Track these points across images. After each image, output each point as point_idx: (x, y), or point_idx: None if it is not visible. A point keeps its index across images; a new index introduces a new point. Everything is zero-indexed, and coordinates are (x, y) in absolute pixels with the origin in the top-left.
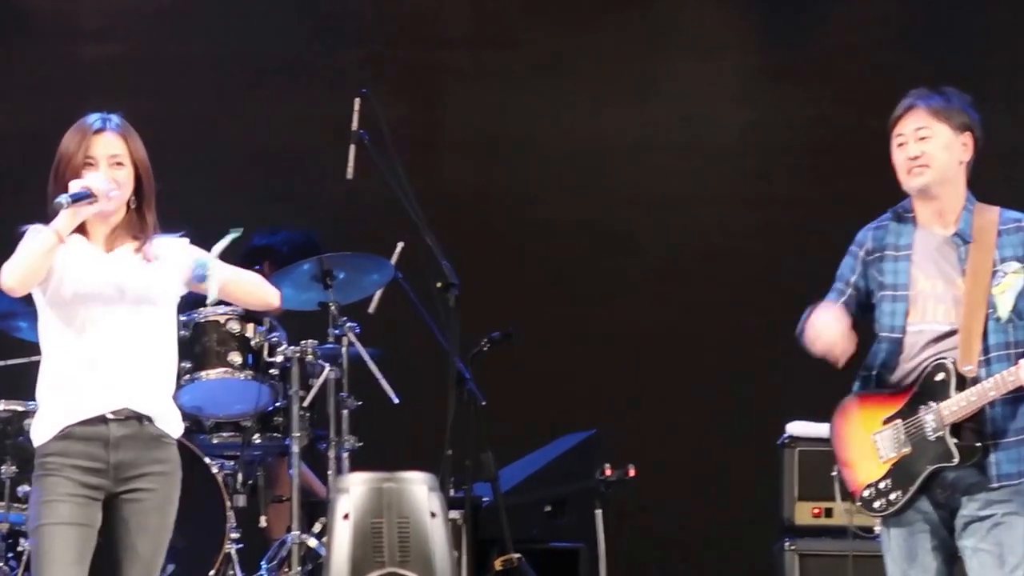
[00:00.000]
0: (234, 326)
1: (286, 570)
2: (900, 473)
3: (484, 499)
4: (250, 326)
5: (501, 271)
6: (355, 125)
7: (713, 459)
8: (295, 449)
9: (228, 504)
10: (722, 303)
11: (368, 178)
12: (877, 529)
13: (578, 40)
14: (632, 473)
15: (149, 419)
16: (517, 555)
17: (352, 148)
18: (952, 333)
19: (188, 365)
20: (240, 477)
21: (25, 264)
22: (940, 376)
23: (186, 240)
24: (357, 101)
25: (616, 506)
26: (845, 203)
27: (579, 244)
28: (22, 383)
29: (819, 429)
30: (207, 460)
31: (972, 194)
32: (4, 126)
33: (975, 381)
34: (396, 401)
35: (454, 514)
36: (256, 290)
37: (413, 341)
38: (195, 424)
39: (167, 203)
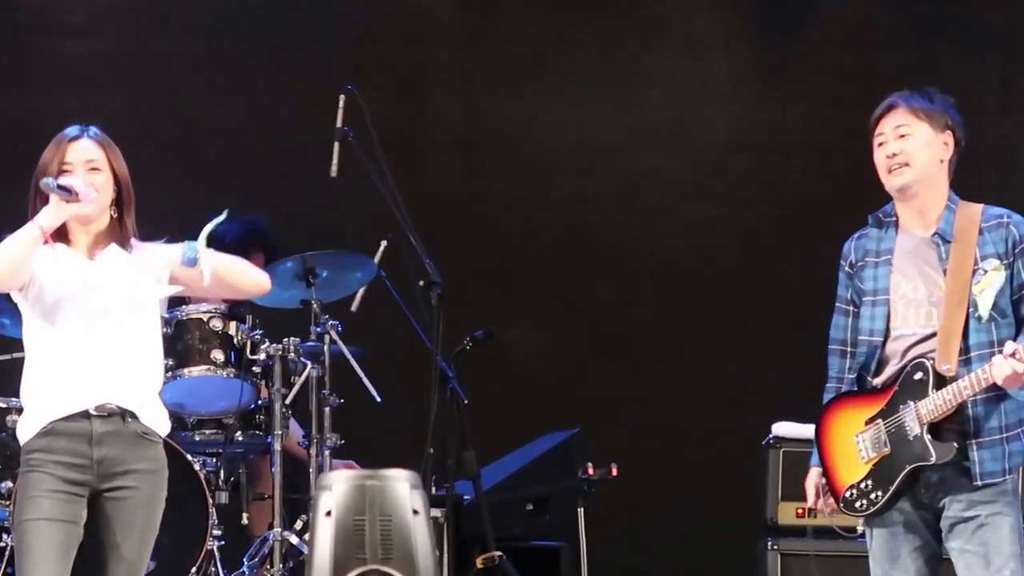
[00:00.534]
0: (216, 324)
1: (268, 567)
2: (880, 473)
3: (466, 497)
4: (233, 324)
5: (484, 270)
6: (340, 122)
7: (696, 459)
8: (277, 447)
9: (210, 501)
10: (708, 303)
11: (352, 175)
12: (860, 529)
13: (565, 38)
14: (614, 472)
15: (133, 415)
16: (499, 553)
17: (337, 145)
18: (934, 335)
19: (171, 362)
20: (222, 474)
21: (8, 257)
22: (919, 375)
23: (164, 243)
24: (342, 98)
25: (598, 505)
26: (835, 203)
27: (564, 243)
28: (5, 380)
29: (804, 430)
30: (189, 457)
31: (955, 193)
32: None
33: (955, 380)
34: (378, 399)
35: (436, 512)
36: (248, 273)
37: (396, 339)
38: (177, 421)
39: (150, 198)
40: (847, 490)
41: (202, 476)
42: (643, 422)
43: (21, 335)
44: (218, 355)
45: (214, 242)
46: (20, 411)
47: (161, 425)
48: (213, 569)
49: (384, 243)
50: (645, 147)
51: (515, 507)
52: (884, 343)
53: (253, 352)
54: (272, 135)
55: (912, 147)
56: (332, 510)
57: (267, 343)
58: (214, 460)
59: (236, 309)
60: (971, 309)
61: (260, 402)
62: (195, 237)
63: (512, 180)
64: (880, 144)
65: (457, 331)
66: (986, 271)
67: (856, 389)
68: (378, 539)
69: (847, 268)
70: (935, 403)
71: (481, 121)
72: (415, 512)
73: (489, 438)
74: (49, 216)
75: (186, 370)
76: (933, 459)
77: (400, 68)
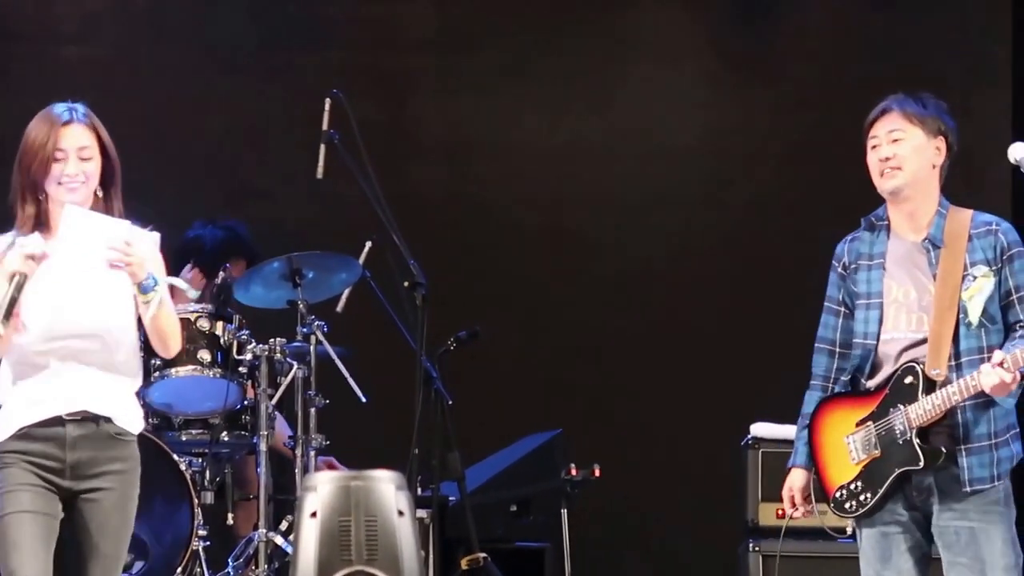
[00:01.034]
0: (204, 324)
1: (253, 568)
2: (870, 475)
3: (451, 498)
4: (220, 324)
5: (467, 271)
6: (325, 125)
7: (678, 460)
8: (263, 447)
9: (196, 501)
10: (686, 305)
11: (337, 177)
12: (850, 530)
13: (542, 46)
14: (597, 473)
15: (108, 419)
16: (483, 555)
17: (323, 148)
18: (925, 340)
19: (158, 362)
20: (208, 474)
21: None
22: (909, 379)
23: (156, 236)
24: (327, 101)
25: (581, 506)
26: (805, 206)
27: (543, 246)
28: None
29: (783, 431)
30: (176, 457)
31: (946, 198)
32: None
33: (944, 385)
34: (363, 400)
35: (421, 513)
36: (174, 332)
37: (381, 340)
38: (164, 421)
39: (140, 200)
40: (837, 491)
41: (188, 476)
42: (624, 423)
43: None
44: (205, 355)
45: (196, 247)
46: None
47: (135, 424)
48: (198, 570)
49: (369, 244)
50: (618, 152)
51: (499, 508)
52: (877, 346)
53: (239, 352)
54: (259, 138)
55: (904, 151)
56: (317, 511)
57: (253, 343)
58: (200, 460)
59: (223, 309)
60: (961, 315)
61: (246, 402)
62: (197, 244)
63: (493, 183)
64: (874, 147)
65: (442, 332)
66: (975, 277)
67: (848, 390)
68: (363, 540)
69: (840, 269)
70: (924, 408)
71: (462, 126)
72: (400, 513)
73: (473, 438)
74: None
75: (173, 370)
76: (921, 464)
77: (383, 74)
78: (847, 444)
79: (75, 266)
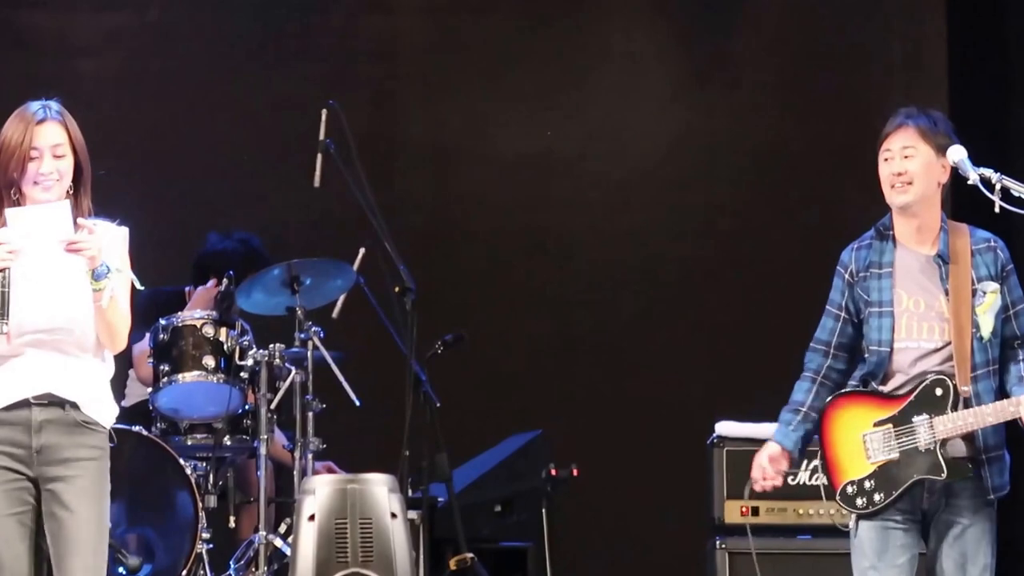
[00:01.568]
0: (209, 330)
1: (253, 570)
2: (885, 477)
3: (440, 499)
4: (223, 330)
5: (453, 277)
6: (322, 135)
7: (649, 459)
8: (263, 451)
9: (200, 505)
10: (655, 306)
11: (333, 185)
12: (852, 523)
13: (521, 57)
14: (575, 472)
15: (74, 405)
16: (471, 555)
17: (319, 157)
18: (939, 350)
19: (166, 368)
20: (211, 478)
21: None
22: (939, 391)
23: (125, 230)
24: (324, 112)
25: (560, 505)
26: (770, 209)
27: (523, 250)
28: None
29: (747, 429)
30: (182, 461)
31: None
32: None
33: (968, 400)
34: (358, 404)
35: (412, 514)
36: (117, 326)
37: (373, 344)
38: (171, 426)
39: (143, 206)
40: (847, 484)
41: (193, 480)
42: (598, 423)
43: None
44: (209, 361)
45: (219, 258)
46: None
47: (104, 415)
48: (202, 572)
49: (363, 251)
50: (592, 155)
51: (484, 509)
52: (891, 354)
53: (241, 358)
54: (259, 148)
55: (916, 167)
56: (315, 514)
57: (254, 349)
58: (204, 464)
59: (227, 316)
60: (973, 329)
61: (247, 407)
62: (222, 259)
63: (477, 191)
64: (886, 160)
65: (432, 336)
66: (985, 293)
67: (862, 388)
68: (358, 542)
69: (847, 276)
70: (955, 422)
71: (447, 134)
72: (393, 515)
73: (459, 439)
74: None
75: (180, 376)
76: (944, 476)
77: (373, 84)
78: (864, 441)
79: (37, 260)
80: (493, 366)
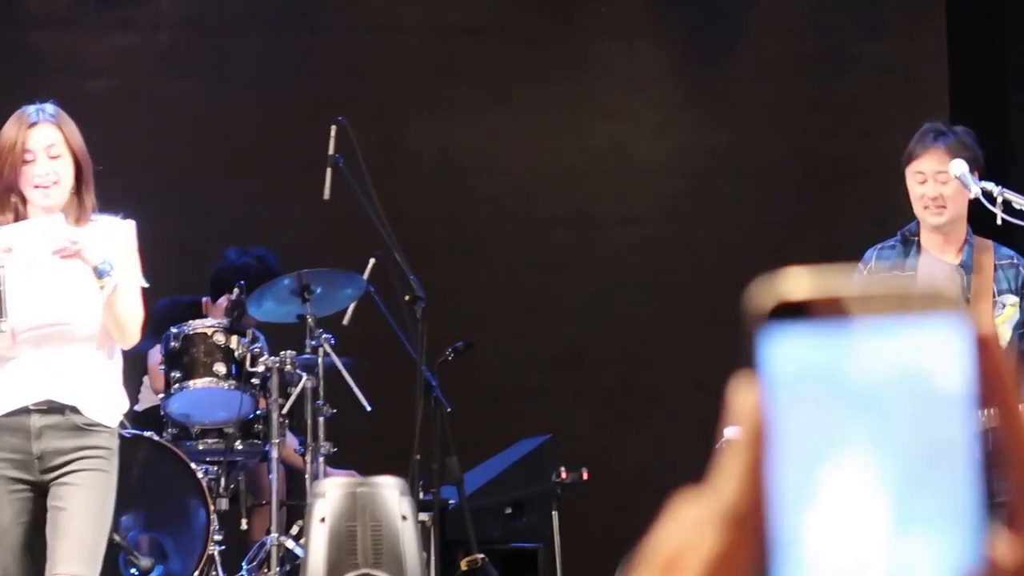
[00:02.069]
0: (220, 338)
1: (265, 571)
2: None
3: (451, 502)
4: (234, 338)
5: (462, 287)
6: (332, 150)
7: (658, 462)
8: (274, 455)
9: (212, 508)
10: (655, 313)
11: (343, 198)
12: None
13: (525, 75)
14: (585, 476)
15: (74, 409)
16: (481, 556)
17: (329, 171)
18: None
19: (178, 374)
20: (223, 482)
21: None
22: None
23: (131, 223)
24: (333, 128)
25: (571, 508)
26: (764, 223)
27: (529, 261)
28: None
29: None
30: (193, 465)
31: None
32: None
33: None
34: (369, 408)
35: (423, 516)
36: (125, 320)
37: (384, 351)
38: (183, 431)
39: (155, 221)
40: None
41: (204, 484)
42: (607, 427)
43: None
44: (220, 368)
45: (236, 274)
46: None
47: (108, 415)
48: (214, 573)
49: (373, 261)
50: (594, 171)
51: (494, 511)
52: None
53: (252, 365)
54: (270, 163)
55: (950, 192)
56: (326, 516)
57: (266, 356)
58: (215, 468)
59: (238, 324)
60: None
61: (259, 412)
62: (241, 274)
63: (482, 202)
64: (921, 182)
65: (441, 343)
66: (1005, 305)
67: None
68: (369, 544)
69: (864, 272)
70: None
71: (454, 150)
72: (403, 518)
73: (470, 444)
74: None
75: (191, 382)
76: None
77: (382, 101)
78: None
79: (33, 260)
80: (503, 373)
